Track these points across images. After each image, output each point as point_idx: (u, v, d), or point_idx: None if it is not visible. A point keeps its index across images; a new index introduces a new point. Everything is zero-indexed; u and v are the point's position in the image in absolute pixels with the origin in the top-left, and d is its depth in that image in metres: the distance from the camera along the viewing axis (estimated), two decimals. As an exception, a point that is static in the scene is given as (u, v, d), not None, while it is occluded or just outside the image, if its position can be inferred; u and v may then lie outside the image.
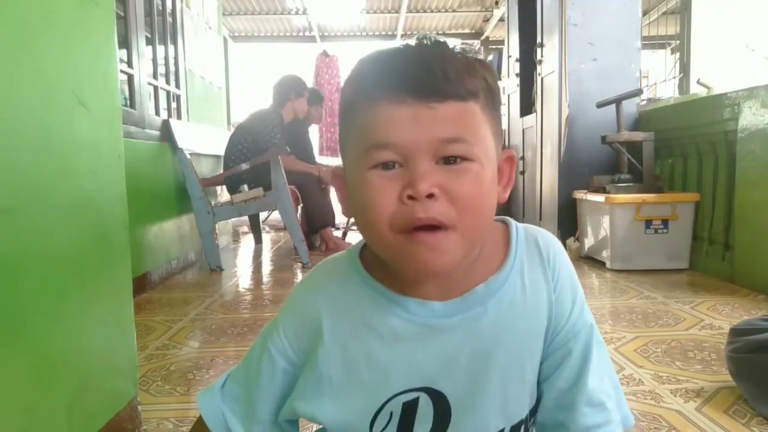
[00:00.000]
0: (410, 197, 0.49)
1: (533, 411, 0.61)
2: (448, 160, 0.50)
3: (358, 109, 0.53)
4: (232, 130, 4.10)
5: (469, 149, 0.50)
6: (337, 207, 3.64)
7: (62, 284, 0.93)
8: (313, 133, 5.34)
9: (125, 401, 1.12)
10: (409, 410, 0.58)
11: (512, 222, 0.62)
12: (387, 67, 0.52)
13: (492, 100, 0.54)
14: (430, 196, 0.49)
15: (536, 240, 0.60)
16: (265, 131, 3.54)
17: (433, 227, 0.50)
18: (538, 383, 0.60)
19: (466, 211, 0.50)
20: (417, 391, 0.58)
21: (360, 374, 0.58)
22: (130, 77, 2.77)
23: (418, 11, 7.38)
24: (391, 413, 0.58)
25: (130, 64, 2.77)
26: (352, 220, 0.58)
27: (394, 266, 0.54)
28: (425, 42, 0.53)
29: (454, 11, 7.39)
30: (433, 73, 0.49)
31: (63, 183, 0.94)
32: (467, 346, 0.57)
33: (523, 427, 0.60)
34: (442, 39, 0.53)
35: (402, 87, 0.50)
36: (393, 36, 8.12)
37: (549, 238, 0.62)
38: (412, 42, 0.54)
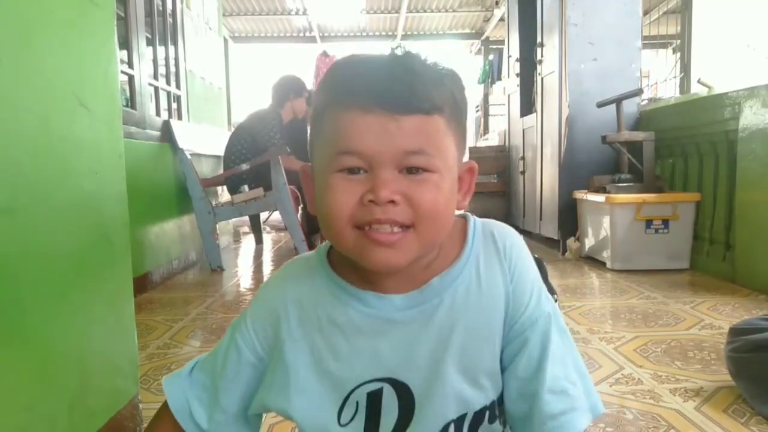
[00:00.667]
0: (371, 201, 0.52)
1: (500, 401, 0.62)
2: (411, 170, 0.53)
3: (329, 114, 0.55)
4: (233, 130, 4.11)
5: (430, 161, 0.53)
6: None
7: (63, 284, 0.93)
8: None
9: (126, 400, 1.12)
10: (374, 400, 0.61)
11: (471, 217, 0.64)
12: (359, 76, 0.54)
13: (458, 114, 0.56)
14: (391, 202, 0.52)
15: (492, 233, 0.63)
16: (264, 131, 3.54)
17: (392, 227, 0.53)
18: (501, 372, 0.61)
19: (425, 216, 0.53)
20: (380, 381, 0.60)
21: (326, 366, 0.61)
22: (131, 78, 2.77)
23: (418, 11, 7.39)
24: (357, 403, 0.61)
25: (130, 64, 2.77)
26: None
27: (353, 261, 0.57)
28: (397, 53, 0.56)
29: (454, 11, 7.41)
30: (401, 86, 0.52)
31: (63, 183, 0.94)
32: (426, 337, 0.59)
33: (488, 413, 0.61)
34: (414, 51, 0.56)
35: (371, 97, 0.52)
36: (393, 36, 8.13)
37: (506, 232, 0.64)
38: (386, 52, 0.57)
